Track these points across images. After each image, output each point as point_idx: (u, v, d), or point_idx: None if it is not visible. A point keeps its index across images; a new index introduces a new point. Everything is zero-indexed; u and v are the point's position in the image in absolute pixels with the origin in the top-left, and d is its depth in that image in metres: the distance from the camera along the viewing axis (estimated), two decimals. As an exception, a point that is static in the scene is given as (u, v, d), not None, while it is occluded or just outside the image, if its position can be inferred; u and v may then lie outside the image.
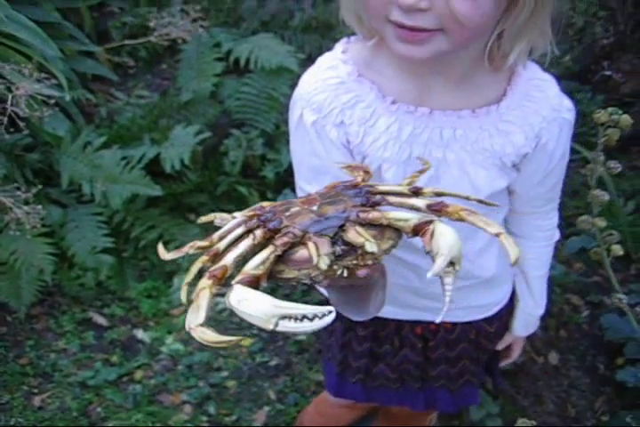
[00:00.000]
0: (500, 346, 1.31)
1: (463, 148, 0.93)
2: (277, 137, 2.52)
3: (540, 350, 2.11)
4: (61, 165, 2.08)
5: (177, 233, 2.24)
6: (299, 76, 1.00)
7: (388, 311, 1.13)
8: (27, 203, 1.75)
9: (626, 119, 0.92)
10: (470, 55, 0.89)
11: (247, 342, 2.10)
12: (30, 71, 1.61)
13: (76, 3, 2.34)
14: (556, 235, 1.18)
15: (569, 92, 3.04)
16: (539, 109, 0.94)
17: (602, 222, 1.02)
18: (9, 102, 1.56)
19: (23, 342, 2.08)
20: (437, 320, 0.71)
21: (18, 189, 1.77)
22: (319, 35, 2.73)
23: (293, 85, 0.99)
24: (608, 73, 2.86)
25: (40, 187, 1.84)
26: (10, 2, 1.85)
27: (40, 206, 1.72)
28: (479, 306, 1.18)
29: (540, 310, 1.26)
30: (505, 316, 1.25)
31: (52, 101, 1.66)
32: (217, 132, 2.44)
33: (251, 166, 2.46)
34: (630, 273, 2.40)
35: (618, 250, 1.04)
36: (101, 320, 2.15)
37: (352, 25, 0.92)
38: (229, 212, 0.77)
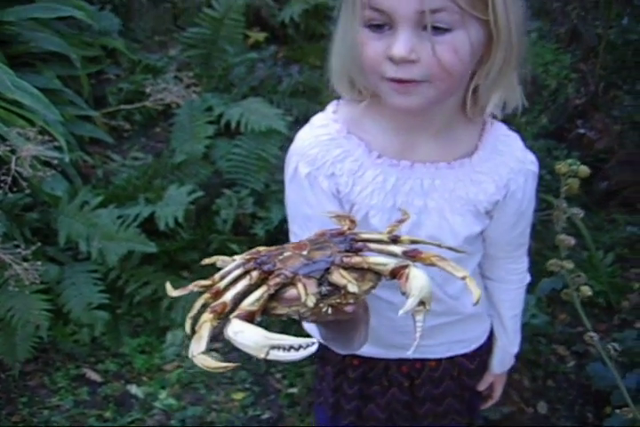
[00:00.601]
0: (482, 386, 1.37)
1: (442, 196, 1.03)
2: (267, 196, 2.60)
3: (528, 400, 2.14)
4: (59, 224, 2.15)
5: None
6: (287, 138, 1.10)
7: (376, 352, 1.22)
8: (25, 260, 1.81)
9: (584, 170, 1.00)
10: (450, 108, 1.00)
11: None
12: (34, 135, 1.71)
13: (76, 71, 2.46)
14: (527, 278, 1.28)
15: (546, 150, 3.16)
16: (507, 162, 1.06)
17: (569, 264, 1.09)
18: (13, 164, 1.65)
19: (16, 400, 2.09)
20: (409, 353, 0.77)
21: (17, 246, 1.83)
22: (306, 99, 2.86)
23: (282, 147, 1.09)
24: (582, 131, 2.99)
25: (39, 244, 1.91)
26: (15, 70, 1.97)
27: (39, 263, 1.78)
28: (460, 341, 1.26)
29: (515, 348, 1.34)
30: (484, 354, 1.33)
31: (55, 162, 1.75)
32: (209, 192, 2.53)
33: (242, 224, 2.53)
34: (614, 324, 2.46)
35: (586, 291, 1.10)
36: (95, 376, 2.16)
37: (343, 91, 1.03)
38: (221, 268, 0.85)
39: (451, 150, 1.04)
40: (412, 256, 0.79)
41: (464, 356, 1.28)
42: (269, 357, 0.69)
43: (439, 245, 0.85)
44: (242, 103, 2.69)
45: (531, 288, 1.31)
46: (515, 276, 1.24)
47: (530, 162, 1.09)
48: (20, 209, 2.15)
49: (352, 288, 0.74)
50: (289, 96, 2.87)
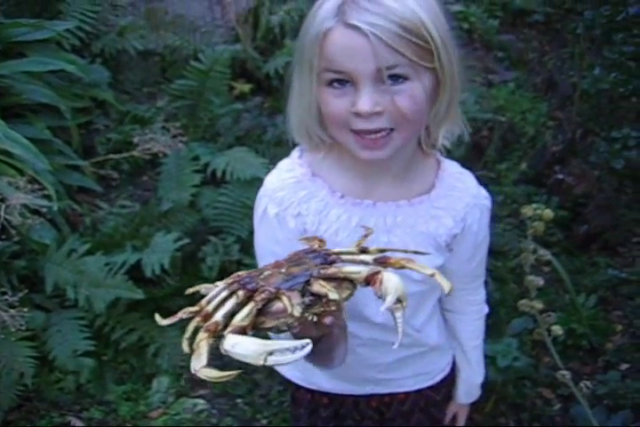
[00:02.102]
0: (447, 417, 1.41)
1: (404, 232, 1.09)
2: (252, 243, 2.61)
3: (515, 443, 2.15)
4: (46, 271, 2.17)
5: (157, 335, 2.30)
6: None
7: (345, 388, 1.28)
8: (12, 307, 1.83)
9: (548, 213, 1.06)
10: (408, 149, 1.07)
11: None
12: (23, 184, 1.75)
13: (66, 121, 2.52)
14: (485, 308, 1.33)
15: (526, 195, 3.22)
16: (462, 197, 1.13)
17: (539, 305, 1.13)
18: (2, 212, 1.69)
19: (0, 450, 2.08)
20: (395, 346, 0.81)
21: (4, 293, 1.86)
22: (290, 148, 2.91)
23: (267, 195, 1.15)
24: (561, 177, 3.07)
25: (26, 292, 1.93)
26: (6, 121, 2.03)
27: (26, 310, 1.80)
28: (425, 373, 1.31)
29: (480, 378, 1.38)
30: (448, 385, 1.37)
31: (44, 210, 1.79)
32: (195, 239, 2.56)
33: (227, 271, 2.55)
34: (598, 366, 2.47)
35: (557, 330, 1.15)
36: (79, 424, 2.14)
37: (303, 143, 1.11)
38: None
39: (410, 189, 1.11)
40: (383, 262, 0.85)
41: (430, 388, 1.32)
42: (268, 362, 0.73)
43: (405, 251, 0.92)
44: (228, 153, 2.75)
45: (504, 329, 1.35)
46: (473, 307, 1.30)
47: (484, 197, 1.16)
48: (8, 257, 2.17)
49: (333, 295, 0.80)
50: (274, 146, 2.93)
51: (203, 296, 0.85)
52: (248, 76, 3.24)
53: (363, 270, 0.83)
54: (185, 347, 0.81)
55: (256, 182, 2.61)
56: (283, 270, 0.84)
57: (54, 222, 2.32)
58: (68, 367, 2.12)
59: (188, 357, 0.78)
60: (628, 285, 2.79)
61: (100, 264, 2.23)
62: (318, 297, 0.81)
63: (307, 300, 0.81)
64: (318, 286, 0.81)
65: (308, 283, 0.81)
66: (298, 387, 1.33)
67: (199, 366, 0.75)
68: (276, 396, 2.28)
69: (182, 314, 0.83)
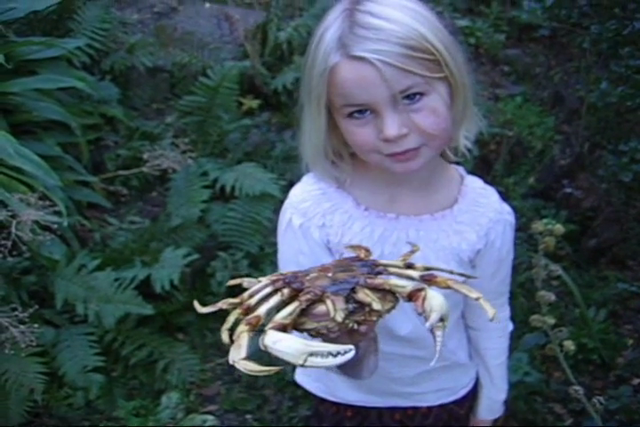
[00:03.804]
0: None
1: (427, 246, 1.09)
2: (261, 258, 2.64)
3: (527, 458, 2.13)
4: (56, 287, 2.18)
5: (166, 351, 2.30)
6: (281, 201, 1.19)
7: (369, 400, 1.28)
8: (22, 323, 1.83)
9: (559, 228, 1.05)
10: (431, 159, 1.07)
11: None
12: (34, 200, 1.76)
13: (76, 138, 2.54)
14: (510, 326, 1.32)
15: (535, 210, 3.20)
16: (485, 212, 1.13)
17: (551, 320, 1.13)
18: (13, 228, 1.70)
19: (9, 467, 2.07)
20: (432, 363, 0.82)
21: (14, 309, 1.86)
22: (299, 163, 2.92)
23: (276, 210, 1.16)
24: (569, 191, 3.07)
25: (36, 307, 1.94)
26: (17, 138, 2.04)
27: (36, 326, 1.80)
28: (448, 388, 1.30)
29: (503, 395, 1.36)
30: (472, 400, 1.36)
31: (54, 226, 1.80)
32: (204, 255, 2.57)
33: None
34: (609, 380, 2.45)
35: (569, 345, 1.14)
36: (89, 441, 2.15)
37: (320, 175, 1.12)
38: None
39: (433, 202, 1.12)
40: (428, 280, 0.85)
41: (454, 402, 1.31)
42: (307, 363, 0.73)
43: (451, 272, 0.92)
44: (236, 168, 2.76)
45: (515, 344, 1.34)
46: (497, 324, 1.28)
47: (507, 213, 1.17)
48: (18, 272, 2.19)
49: (376, 306, 0.80)
50: (282, 161, 2.95)
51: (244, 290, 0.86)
52: (256, 92, 3.26)
53: (408, 285, 0.83)
54: (225, 337, 0.82)
55: (265, 198, 2.63)
56: (329, 274, 0.84)
57: (64, 238, 2.33)
58: (77, 383, 2.12)
59: (227, 347, 0.78)
60: (639, 298, 2.78)
61: (110, 280, 2.24)
62: (361, 305, 0.81)
63: (350, 307, 0.81)
64: (363, 295, 0.81)
65: (353, 290, 0.81)
66: (322, 400, 1.33)
67: (238, 357, 0.75)
68: (285, 412, 2.27)
69: (223, 304, 0.84)
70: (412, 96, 0.94)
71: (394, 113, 0.94)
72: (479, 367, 1.34)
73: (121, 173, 2.74)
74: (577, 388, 1.15)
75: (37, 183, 2.06)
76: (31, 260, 2.18)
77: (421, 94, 0.94)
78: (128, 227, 2.61)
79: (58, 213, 2.00)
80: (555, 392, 2.33)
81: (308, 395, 1.37)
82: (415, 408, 1.30)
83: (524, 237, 2.82)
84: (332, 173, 1.10)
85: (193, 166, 2.73)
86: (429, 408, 1.31)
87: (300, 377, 1.36)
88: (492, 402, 1.37)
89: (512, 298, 2.62)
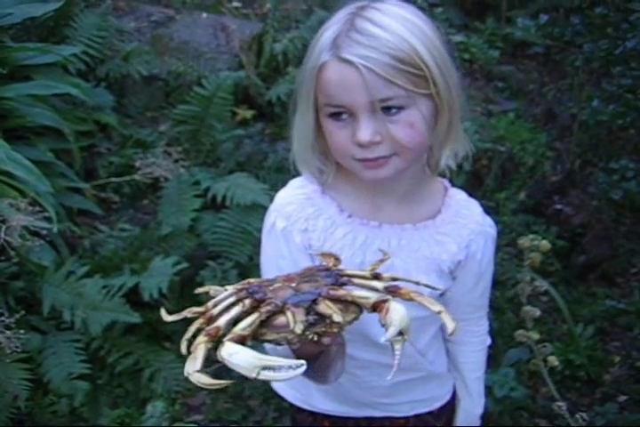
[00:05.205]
0: None
1: (408, 255, 1.11)
2: (251, 268, 2.63)
3: (511, 475, 2.13)
4: (44, 293, 2.17)
5: (152, 360, 2.29)
6: None
7: (344, 410, 1.27)
8: (8, 328, 1.82)
9: (545, 244, 1.06)
10: (413, 171, 1.09)
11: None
12: (25, 205, 1.76)
13: (69, 144, 2.54)
14: (488, 340, 1.33)
15: (525, 225, 3.22)
16: (467, 224, 1.14)
17: (535, 335, 1.13)
18: (2, 233, 1.69)
19: (-11, 474, 2.05)
20: (389, 377, 0.82)
21: (1, 314, 1.85)
22: (290, 174, 2.93)
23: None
24: (559, 207, 3.09)
25: (22, 313, 1.92)
26: (9, 143, 2.04)
27: (22, 331, 1.79)
28: (422, 400, 1.30)
29: (480, 409, 1.37)
30: (449, 413, 1.36)
31: (44, 232, 1.80)
32: (194, 264, 2.56)
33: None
34: (596, 397, 2.46)
35: (553, 361, 1.14)
36: (72, 449, 2.13)
37: (303, 171, 1.13)
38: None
39: (415, 213, 1.13)
40: (393, 291, 0.85)
41: (430, 414, 1.31)
42: (260, 377, 0.73)
43: (417, 283, 0.92)
44: (228, 178, 2.76)
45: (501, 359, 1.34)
46: (475, 338, 1.29)
47: (489, 225, 1.17)
48: (6, 278, 2.17)
49: (337, 318, 0.80)
50: (274, 172, 2.95)
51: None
52: (250, 103, 3.27)
53: (372, 297, 0.83)
54: (183, 348, 0.81)
55: (256, 208, 2.63)
56: (293, 285, 0.85)
57: (53, 244, 2.32)
58: (62, 390, 2.10)
59: (186, 358, 0.78)
60: (626, 315, 2.79)
61: (98, 287, 2.23)
62: (322, 317, 0.81)
63: (311, 318, 0.81)
64: (325, 307, 0.81)
65: (315, 301, 0.82)
66: (299, 409, 1.33)
67: (193, 369, 0.75)
68: (270, 422, 2.26)
69: (187, 313, 0.84)
70: (390, 109, 0.95)
71: (370, 119, 0.96)
72: (456, 381, 1.34)
73: (113, 180, 2.74)
74: (560, 404, 1.15)
75: (28, 189, 2.05)
76: (19, 265, 2.17)
77: (401, 108, 0.96)
78: (118, 234, 2.61)
79: (48, 219, 2.00)
80: (541, 408, 2.33)
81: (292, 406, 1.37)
82: (391, 419, 1.30)
83: (514, 253, 2.83)
84: (316, 166, 1.10)
85: (185, 175, 2.73)
86: (406, 419, 1.30)
87: (276, 383, 1.35)
88: (469, 415, 1.37)
89: (500, 313, 2.64)
